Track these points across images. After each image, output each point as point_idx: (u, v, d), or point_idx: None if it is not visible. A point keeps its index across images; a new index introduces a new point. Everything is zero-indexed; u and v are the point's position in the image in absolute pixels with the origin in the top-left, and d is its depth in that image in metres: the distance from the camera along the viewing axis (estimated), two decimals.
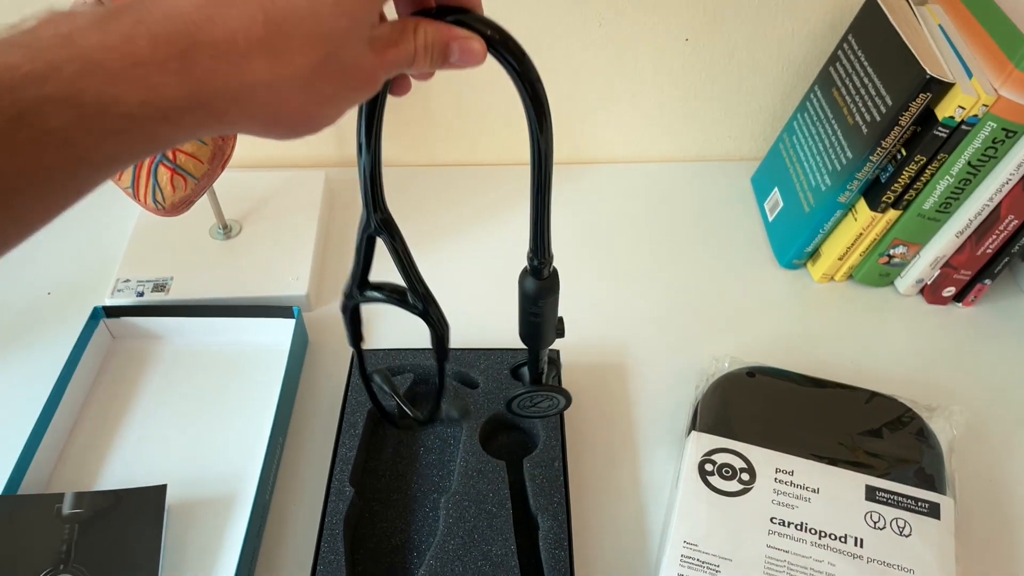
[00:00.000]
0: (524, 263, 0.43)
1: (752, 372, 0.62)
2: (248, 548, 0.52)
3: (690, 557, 0.51)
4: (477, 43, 0.33)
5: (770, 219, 0.79)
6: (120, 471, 0.59)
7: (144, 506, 0.54)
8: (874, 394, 0.60)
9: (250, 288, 0.69)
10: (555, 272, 0.44)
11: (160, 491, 0.55)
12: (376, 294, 0.45)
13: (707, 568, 0.51)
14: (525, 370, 0.53)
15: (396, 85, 0.36)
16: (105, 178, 0.26)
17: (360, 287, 0.45)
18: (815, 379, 0.61)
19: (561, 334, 0.49)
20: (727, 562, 0.51)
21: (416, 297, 0.44)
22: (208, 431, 0.61)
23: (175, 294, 0.69)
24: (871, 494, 0.54)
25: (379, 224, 0.41)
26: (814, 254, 0.75)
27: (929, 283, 0.72)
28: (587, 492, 0.58)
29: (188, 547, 0.55)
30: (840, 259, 0.72)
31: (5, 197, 0.23)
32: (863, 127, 0.66)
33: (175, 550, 0.54)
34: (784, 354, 0.66)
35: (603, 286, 0.74)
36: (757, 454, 0.56)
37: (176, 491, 0.56)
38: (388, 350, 0.63)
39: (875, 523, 0.53)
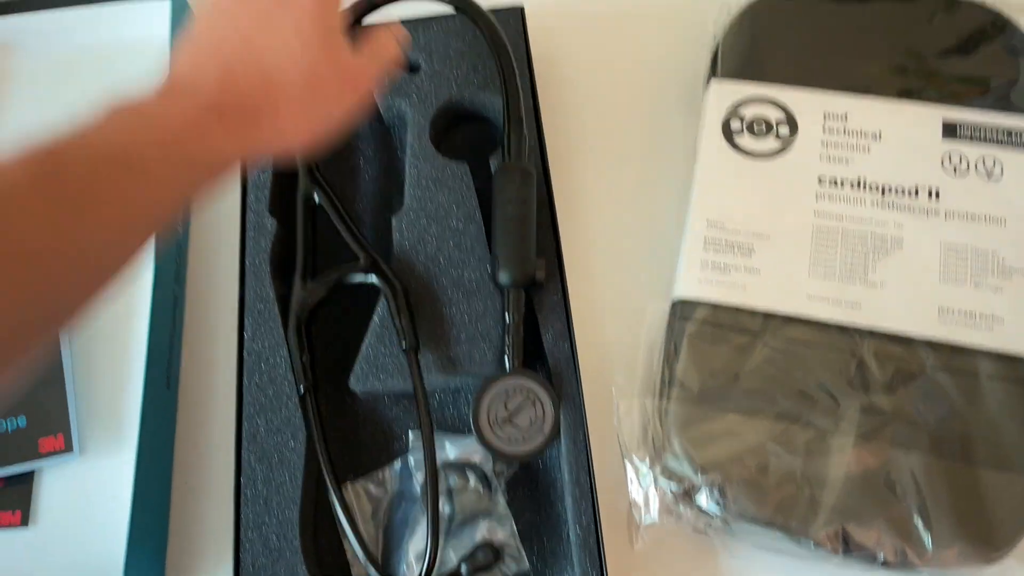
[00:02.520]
0: None
1: None
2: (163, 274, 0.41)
3: (716, 240, 0.40)
4: None
5: None
6: None
7: None
8: (952, 1, 0.45)
9: None
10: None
11: None
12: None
13: (738, 250, 0.40)
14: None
15: None
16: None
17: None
18: None
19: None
20: (763, 240, 0.40)
21: (366, 258, 0.41)
22: None
23: None
24: (950, 131, 0.41)
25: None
26: None
27: None
28: (574, 184, 0.46)
29: None
30: None
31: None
32: None
33: None
34: None
35: None
36: (799, 98, 0.42)
37: None
38: None
39: (955, 167, 0.40)
